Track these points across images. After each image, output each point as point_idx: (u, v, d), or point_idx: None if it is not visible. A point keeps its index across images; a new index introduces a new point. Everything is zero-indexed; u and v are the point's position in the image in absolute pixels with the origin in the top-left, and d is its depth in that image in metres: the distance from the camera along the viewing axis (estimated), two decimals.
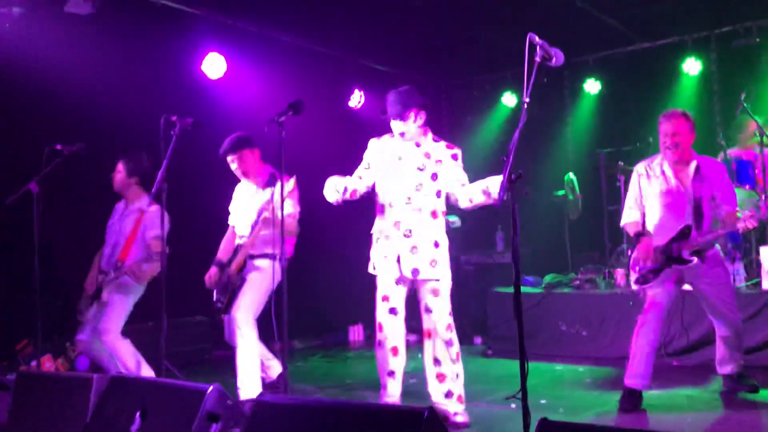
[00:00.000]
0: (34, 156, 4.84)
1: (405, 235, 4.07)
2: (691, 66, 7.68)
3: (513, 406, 4.25)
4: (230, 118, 6.80)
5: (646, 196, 4.44)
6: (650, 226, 4.41)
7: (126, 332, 4.94)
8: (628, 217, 4.53)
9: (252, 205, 4.82)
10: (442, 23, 7.38)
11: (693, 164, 4.31)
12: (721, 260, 4.38)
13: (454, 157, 4.27)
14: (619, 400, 4.28)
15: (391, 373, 4.13)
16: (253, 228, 4.69)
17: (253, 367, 4.61)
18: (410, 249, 4.05)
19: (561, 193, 7.61)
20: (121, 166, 5.16)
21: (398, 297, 4.13)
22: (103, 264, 5.05)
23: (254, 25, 6.94)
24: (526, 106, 3.01)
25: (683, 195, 4.28)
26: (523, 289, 6.52)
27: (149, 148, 5.14)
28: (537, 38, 3.06)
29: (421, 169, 4.13)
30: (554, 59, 3.12)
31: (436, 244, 4.11)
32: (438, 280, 4.09)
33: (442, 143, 4.30)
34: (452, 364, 4.12)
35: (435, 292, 4.11)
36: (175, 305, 5.20)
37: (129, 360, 4.82)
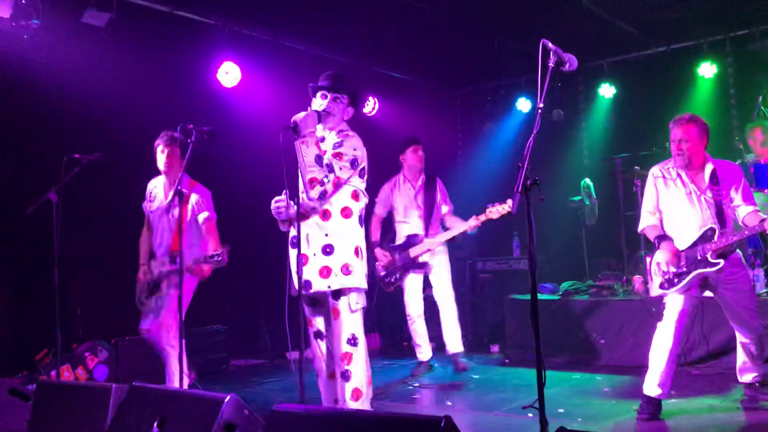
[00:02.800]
0: (53, 165, 4.89)
1: (291, 245, 3.65)
2: (707, 69, 7.62)
3: (530, 415, 4.22)
4: (245, 125, 6.85)
5: (663, 200, 4.37)
6: (669, 231, 4.36)
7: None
8: (647, 222, 4.45)
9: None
10: (455, 30, 7.38)
11: (708, 168, 4.25)
12: (743, 265, 4.32)
13: (336, 146, 3.65)
14: (638, 409, 4.24)
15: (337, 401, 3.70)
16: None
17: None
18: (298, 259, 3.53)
19: (577, 198, 7.57)
20: (174, 147, 4.89)
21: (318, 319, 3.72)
22: (157, 252, 4.93)
23: (268, 33, 6.99)
24: (540, 111, 2.99)
25: (700, 199, 4.23)
26: (540, 296, 6.49)
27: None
28: (550, 44, 3.06)
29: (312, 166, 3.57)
30: (567, 65, 3.11)
31: (327, 251, 3.58)
32: (329, 293, 3.56)
33: (334, 132, 3.74)
34: (351, 402, 3.56)
35: (334, 312, 3.58)
36: (194, 314, 5.25)
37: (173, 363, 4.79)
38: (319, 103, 3.74)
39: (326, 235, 3.59)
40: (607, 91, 8.35)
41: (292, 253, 3.63)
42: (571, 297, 6.50)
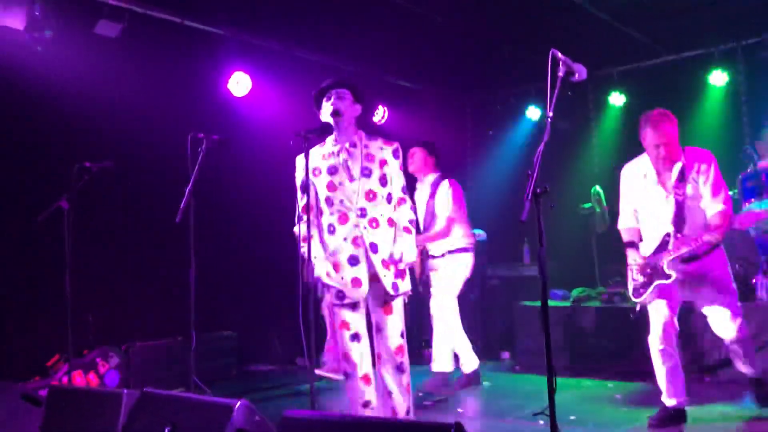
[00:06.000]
0: (64, 173, 4.93)
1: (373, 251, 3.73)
2: (718, 78, 7.59)
3: (541, 422, 4.19)
4: (256, 134, 6.89)
5: (635, 200, 4.22)
6: (642, 232, 4.23)
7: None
8: (623, 223, 4.31)
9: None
10: (465, 39, 7.40)
11: (678, 164, 4.01)
12: (721, 263, 4.08)
13: (395, 154, 3.80)
14: (652, 416, 4.20)
15: (367, 404, 3.76)
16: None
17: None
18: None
19: (587, 206, 7.55)
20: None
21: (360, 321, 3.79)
22: None
23: (278, 43, 7.03)
24: (549, 120, 3.00)
25: (668, 198, 4.02)
26: (551, 302, 6.44)
27: (177, 165, 5.23)
28: (559, 54, 3.07)
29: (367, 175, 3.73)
30: (577, 74, 3.12)
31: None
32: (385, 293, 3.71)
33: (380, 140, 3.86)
34: (404, 395, 3.71)
35: (389, 309, 3.73)
36: (204, 320, 5.27)
37: None
38: (326, 107, 3.75)
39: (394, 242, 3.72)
40: (617, 99, 8.33)
41: (376, 258, 3.67)
42: (582, 304, 6.48)
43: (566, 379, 5.61)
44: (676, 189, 3.99)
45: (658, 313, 4.10)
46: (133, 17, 5.85)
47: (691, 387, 4.72)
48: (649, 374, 5.10)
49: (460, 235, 5.61)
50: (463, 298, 7.47)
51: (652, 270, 4.05)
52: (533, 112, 8.91)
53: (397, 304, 3.74)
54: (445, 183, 5.61)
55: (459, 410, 4.99)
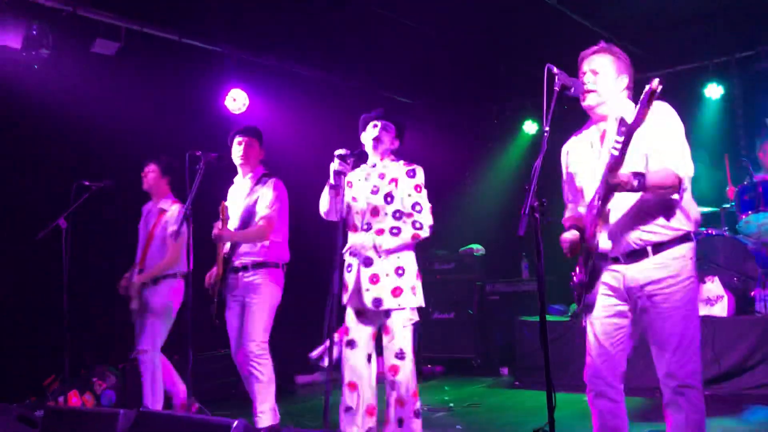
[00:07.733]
0: (63, 192, 4.93)
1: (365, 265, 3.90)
2: (713, 90, 7.63)
3: None
4: None
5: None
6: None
7: None
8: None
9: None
10: (460, 53, 7.44)
11: (613, 121, 2.98)
12: (679, 272, 2.88)
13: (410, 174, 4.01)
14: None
15: (348, 409, 3.86)
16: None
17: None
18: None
19: None
20: (153, 167, 5.19)
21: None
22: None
23: (275, 60, 7.06)
24: (546, 134, 3.00)
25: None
26: (550, 317, 6.44)
27: (175, 182, 5.24)
28: (555, 68, 3.07)
29: (374, 192, 3.96)
30: (573, 89, 3.13)
31: (400, 272, 3.89)
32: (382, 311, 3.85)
33: (401, 162, 4.10)
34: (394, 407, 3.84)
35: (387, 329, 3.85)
36: (202, 339, 5.25)
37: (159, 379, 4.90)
38: (371, 132, 4.03)
39: (398, 258, 3.88)
40: None
41: (365, 272, 3.84)
42: (581, 318, 6.44)
43: (566, 394, 5.55)
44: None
45: (597, 337, 3.27)
46: (130, 35, 5.88)
47: None
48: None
49: None
50: (461, 314, 7.52)
51: (591, 268, 3.20)
52: (530, 126, 8.94)
53: (394, 324, 3.80)
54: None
55: (458, 427, 4.96)
